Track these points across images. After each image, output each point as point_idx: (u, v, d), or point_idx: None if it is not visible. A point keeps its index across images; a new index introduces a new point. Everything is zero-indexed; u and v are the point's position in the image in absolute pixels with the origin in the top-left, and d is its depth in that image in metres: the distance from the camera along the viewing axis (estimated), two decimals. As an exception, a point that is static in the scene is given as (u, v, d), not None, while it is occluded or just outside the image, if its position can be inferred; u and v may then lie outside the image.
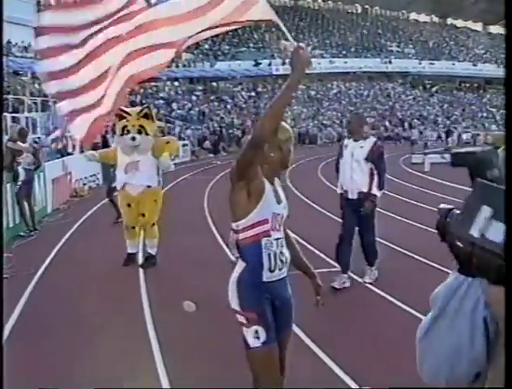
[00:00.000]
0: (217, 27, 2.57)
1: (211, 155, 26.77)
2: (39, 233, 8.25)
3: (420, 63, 49.06)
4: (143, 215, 6.36)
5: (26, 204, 8.17)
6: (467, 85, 52.66)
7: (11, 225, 7.82)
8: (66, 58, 2.53)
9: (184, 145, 25.35)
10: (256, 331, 2.36)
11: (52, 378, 3.58)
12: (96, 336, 4.34)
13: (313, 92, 43.47)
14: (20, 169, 8.02)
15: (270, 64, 38.09)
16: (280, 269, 2.44)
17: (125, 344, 4.21)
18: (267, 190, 2.41)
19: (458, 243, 1.19)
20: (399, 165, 20.39)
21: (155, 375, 3.62)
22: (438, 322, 1.37)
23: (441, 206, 1.28)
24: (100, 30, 2.54)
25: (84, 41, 2.53)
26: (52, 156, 12.61)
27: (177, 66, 37.69)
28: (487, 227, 1.14)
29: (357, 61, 47.03)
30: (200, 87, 39.84)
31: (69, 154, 13.89)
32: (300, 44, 2.28)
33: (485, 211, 1.14)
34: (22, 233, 8.04)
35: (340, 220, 5.61)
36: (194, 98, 36.76)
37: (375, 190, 5.30)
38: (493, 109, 48.46)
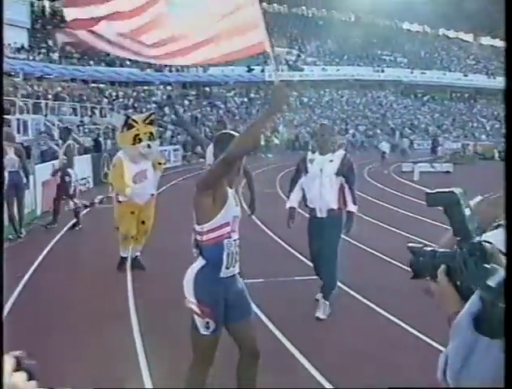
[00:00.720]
0: None
1: (202, 160, 26.64)
2: (28, 236, 8.21)
3: (412, 72, 49.46)
4: (143, 222, 6.32)
5: (15, 208, 8.11)
6: (458, 95, 53.13)
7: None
8: None
9: (175, 150, 25.36)
10: (207, 323, 2.69)
11: (39, 381, 3.57)
12: (84, 339, 4.35)
13: (305, 99, 43.67)
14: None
15: (263, 70, 38.14)
16: (233, 266, 2.77)
17: (113, 346, 4.21)
18: (230, 196, 2.71)
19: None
20: (389, 174, 20.55)
21: (140, 377, 3.66)
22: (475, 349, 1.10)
23: (410, 245, 1.25)
24: None
25: None
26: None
27: (170, 71, 37.73)
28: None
29: (350, 69, 47.32)
30: (193, 92, 39.89)
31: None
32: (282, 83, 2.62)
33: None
34: (10, 236, 8.01)
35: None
36: (186, 103, 36.80)
37: (351, 207, 4.87)
38: (483, 119, 48.93)
